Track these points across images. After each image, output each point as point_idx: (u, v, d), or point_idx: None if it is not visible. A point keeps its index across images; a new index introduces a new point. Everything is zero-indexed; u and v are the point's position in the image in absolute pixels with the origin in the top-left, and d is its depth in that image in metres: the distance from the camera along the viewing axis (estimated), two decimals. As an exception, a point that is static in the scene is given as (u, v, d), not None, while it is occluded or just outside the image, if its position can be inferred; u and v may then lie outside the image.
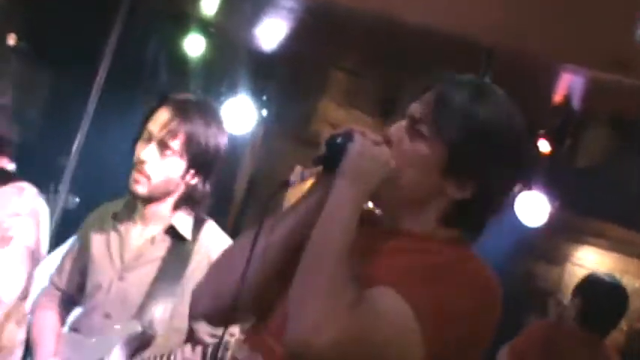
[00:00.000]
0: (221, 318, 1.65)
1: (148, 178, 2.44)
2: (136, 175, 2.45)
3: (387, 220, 1.62)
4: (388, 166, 1.52)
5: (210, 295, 1.65)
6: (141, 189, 2.45)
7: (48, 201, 2.61)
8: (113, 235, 2.54)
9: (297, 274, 1.45)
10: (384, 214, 1.62)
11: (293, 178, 1.54)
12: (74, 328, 2.56)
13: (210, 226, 2.56)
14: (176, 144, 2.43)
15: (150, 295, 2.44)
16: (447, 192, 1.54)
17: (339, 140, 1.53)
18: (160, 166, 2.44)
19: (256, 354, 1.56)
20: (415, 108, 1.57)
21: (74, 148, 3.61)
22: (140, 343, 2.44)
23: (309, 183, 1.61)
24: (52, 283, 2.67)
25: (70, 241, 2.74)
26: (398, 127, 1.58)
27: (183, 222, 2.52)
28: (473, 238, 1.59)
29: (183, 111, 2.45)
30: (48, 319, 2.59)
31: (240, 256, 1.57)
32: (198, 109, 2.48)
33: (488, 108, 1.54)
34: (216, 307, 1.64)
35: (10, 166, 2.52)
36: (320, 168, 1.55)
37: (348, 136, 1.53)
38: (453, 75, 1.60)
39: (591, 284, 3.80)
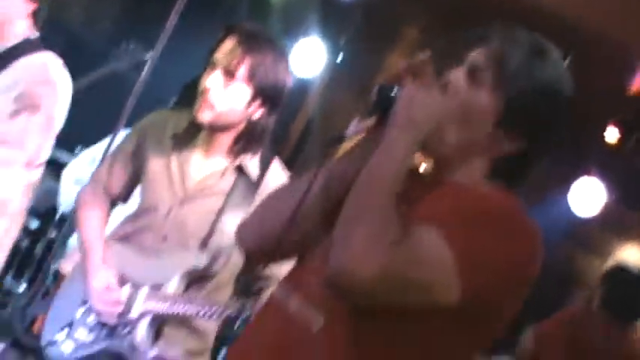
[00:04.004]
0: (263, 257, 1.69)
1: (212, 106, 2.43)
2: (200, 103, 2.45)
3: (433, 171, 1.61)
4: (438, 112, 1.51)
5: (255, 234, 1.68)
6: (204, 117, 2.45)
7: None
8: (173, 157, 2.53)
9: (344, 209, 1.45)
10: (431, 163, 1.62)
11: (349, 131, 1.53)
12: (121, 239, 2.55)
13: (276, 166, 2.55)
14: (241, 71, 2.42)
15: (215, 228, 2.45)
16: (498, 144, 1.54)
17: (388, 88, 1.52)
18: (224, 93, 2.43)
19: (293, 290, 1.58)
20: (476, 57, 1.56)
21: (145, 69, 3.60)
22: (199, 277, 2.45)
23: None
24: (99, 182, 2.65)
25: (120, 142, 2.71)
26: (457, 75, 1.56)
27: (252, 162, 2.51)
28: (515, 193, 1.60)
29: (250, 39, 2.44)
30: (97, 221, 2.60)
31: (288, 199, 1.59)
32: (268, 40, 2.48)
33: (549, 66, 1.56)
34: (260, 246, 1.67)
35: (34, 35, 2.45)
36: (374, 119, 1.54)
37: (398, 83, 1.51)
38: (510, 27, 1.59)
39: (616, 273, 3.86)
